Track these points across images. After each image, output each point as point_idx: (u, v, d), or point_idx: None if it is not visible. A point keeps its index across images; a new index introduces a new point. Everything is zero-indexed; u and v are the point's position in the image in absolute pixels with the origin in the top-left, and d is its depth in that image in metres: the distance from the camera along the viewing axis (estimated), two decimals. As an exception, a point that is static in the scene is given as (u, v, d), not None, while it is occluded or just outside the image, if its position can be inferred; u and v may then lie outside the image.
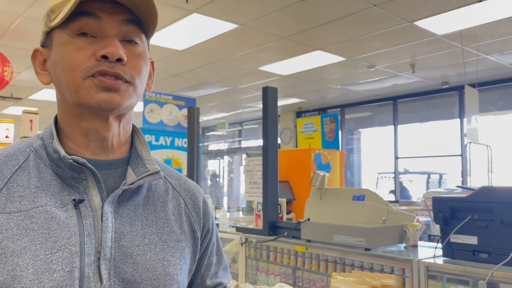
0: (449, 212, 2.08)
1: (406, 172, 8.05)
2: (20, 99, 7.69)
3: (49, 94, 7.45)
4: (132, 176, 0.76)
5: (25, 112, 4.42)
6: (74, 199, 0.70)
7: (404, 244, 2.46)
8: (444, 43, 4.84)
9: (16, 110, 8.65)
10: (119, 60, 0.70)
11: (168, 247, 0.77)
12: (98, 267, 0.68)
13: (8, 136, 6.02)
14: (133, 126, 0.83)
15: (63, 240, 0.66)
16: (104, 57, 0.69)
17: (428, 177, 8.08)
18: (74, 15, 0.69)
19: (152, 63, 0.83)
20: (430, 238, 4.19)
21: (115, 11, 0.71)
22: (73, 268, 0.65)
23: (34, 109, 4.94)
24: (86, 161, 0.70)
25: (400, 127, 7.74)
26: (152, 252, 0.74)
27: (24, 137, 4.70)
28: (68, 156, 0.70)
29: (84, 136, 0.74)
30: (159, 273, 0.74)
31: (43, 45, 0.77)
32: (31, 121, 4.65)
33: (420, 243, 2.48)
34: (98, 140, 0.75)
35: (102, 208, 0.71)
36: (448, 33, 4.54)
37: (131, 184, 0.74)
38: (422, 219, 4.28)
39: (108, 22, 0.70)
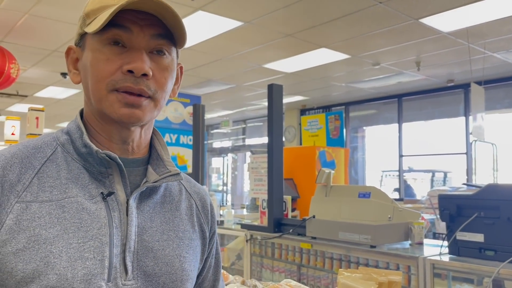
0: (455, 210, 2.07)
1: (410, 170, 8.03)
2: (26, 96, 7.73)
3: (54, 92, 7.48)
4: (153, 175, 0.79)
5: (31, 109, 4.45)
6: (102, 192, 0.72)
7: (409, 242, 2.46)
8: (450, 40, 4.82)
9: (22, 107, 8.69)
10: (145, 75, 0.71)
11: (183, 244, 0.80)
12: (124, 259, 0.71)
13: (14, 133, 6.05)
14: (153, 128, 0.85)
15: (94, 230, 0.69)
16: (130, 71, 0.70)
17: (433, 175, 8.06)
18: (107, 25, 0.70)
19: (181, 68, 0.85)
20: (435, 236, 4.18)
21: (146, 23, 0.72)
22: (104, 258, 0.68)
23: (40, 107, 4.96)
24: (117, 157, 0.73)
25: (404, 125, 7.72)
26: (170, 248, 0.77)
27: (30, 134, 4.72)
28: (100, 151, 0.72)
29: (106, 137, 0.77)
30: (177, 268, 0.77)
31: (76, 45, 0.78)
32: (37, 118, 4.67)
33: (425, 240, 2.48)
34: (120, 142, 0.77)
35: (127, 202, 0.74)
36: (454, 31, 4.51)
37: (154, 182, 0.77)
38: (427, 217, 4.28)
39: (138, 35, 0.71)
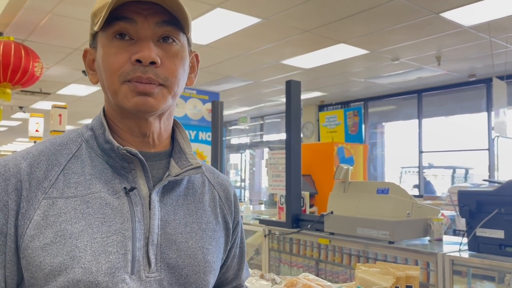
0: (475, 206, 2.06)
1: (430, 166, 7.92)
2: (49, 94, 7.90)
3: (76, 89, 7.63)
4: (176, 168, 0.80)
5: (54, 106, 4.57)
6: (125, 187, 0.74)
7: (428, 238, 2.44)
8: (472, 34, 4.74)
9: (45, 104, 8.88)
10: (153, 63, 0.72)
11: (206, 236, 0.81)
12: (147, 252, 0.73)
13: (38, 130, 6.22)
14: (175, 121, 0.86)
15: (117, 224, 0.71)
16: (138, 61, 0.71)
17: (454, 172, 7.93)
18: (111, 19, 0.72)
19: (196, 56, 0.86)
20: (455, 233, 4.13)
21: (150, 13, 0.72)
22: (127, 251, 0.70)
23: (63, 104, 5.08)
24: (138, 152, 0.75)
25: (424, 120, 7.62)
26: (193, 240, 0.79)
27: (54, 131, 4.84)
28: (121, 147, 0.74)
29: (127, 132, 0.78)
30: (200, 260, 0.78)
31: (91, 46, 0.80)
32: (60, 115, 4.79)
33: (445, 237, 2.47)
34: (140, 136, 0.79)
35: (149, 196, 0.76)
36: (476, 25, 4.43)
37: (176, 176, 0.78)
38: (447, 213, 4.22)
39: (143, 25, 0.72)
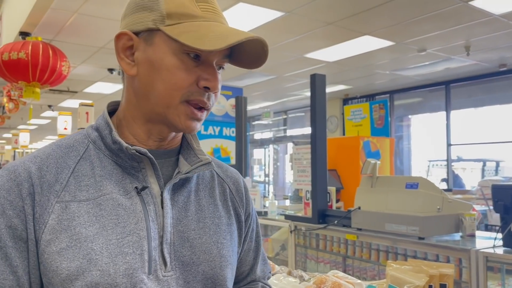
0: (510, 200, 1.98)
1: (459, 159, 7.73)
2: (76, 92, 8.07)
3: (102, 87, 7.76)
4: (185, 165, 0.80)
5: (81, 104, 4.65)
6: (136, 187, 0.73)
7: (460, 234, 2.38)
8: (502, 23, 4.57)
9: (72, 103, 9.08)
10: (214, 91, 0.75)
11: (220, 230, 0.81)
12: (161, 251, 0.72)
13: (66, 127, 6.36)
14: None
15: (131, 225, 0.70)
16: (206, 88, 0.74)
17: (484, 165, 7.71)
18: None
19: None
20: (487, 228, 4.02)
21: None
22: (143, 252, 0.69)
23: (89, 102, 5.17)
24: (147, 151, 0.74)
25: (453, 112, 7.42)
26: (207, 235, 0.78)
27: (81, 128, 4.94)
28: (130, 147, 0.73)
29: (144, 133, 0.78)
30: (215, 255, 0.77)
31: (136, 33, 0.74)
32: (87, 113, 4.88)
33: (477, 233, 2.39)
34: (158, 140, 0.79)
35: (161, 195, 0.75)
36: (506, 13, 4.27)
37: (186, 173, 0.78)
38: (477, 208, 4.10)
39: (215, 53, 0.74)
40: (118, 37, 0.76)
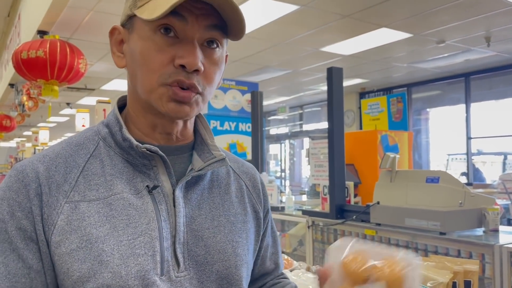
0: (535, 195, 1.92)
1: (479, 153, 7.58)
2: (93, 89, 8.16)
3: (119, 84, 7.83)
4: (198, 161, 0.77)
5: (98, 102, 4.70)
6: (147, 186, 0.71)
7: (483, 229, 2.32)
8: (525, 12, 4.45)
9: (90, 100, 9.19)
10: (196, 70, 0.69)
11: (236, 229, 0.78)
12: (174, 251, 0.70)
13: (84, 125, 6.44)
14: None
15: (143, 225, 0.68)
16: (182, 66, 0.68)
17: (505, 158, 7.55)
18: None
19: (226, 56, 0.80)
20: (510, 223, 3.93)
21: (202, 13, 0.68)
22: (155, 252, 0.67)
23: (106, 99, 5.22)
24: (158, 149, 0.71)
25: (473, 105, 7.27)
26: (222, 234, 0.75)
27: (99, 125, 4.99)
28: (141, 145, 0.70)
29: (150, 127, 0.75)
30: (230, 254, 0.75)
31: (123, 25, 0.75)
32: (104, 110, 4.93)
33: (500, 227, 2.34)
34: (164, 133, 0.76)
35: (173, 193, 0.73)
36: (530, 1, 4.15)
37: (199, 170, 0.75)
38: (499, 202, 4.01)
39: (192, 26, 0.68)
40: (111, 32, 0.76)
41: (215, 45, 0.71)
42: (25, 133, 16.21)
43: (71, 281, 0.64)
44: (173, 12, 0.66)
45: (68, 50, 4.21)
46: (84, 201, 0.67)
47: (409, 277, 0.61)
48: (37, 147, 11.32)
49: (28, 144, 15.03)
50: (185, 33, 0.68)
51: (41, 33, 4.50)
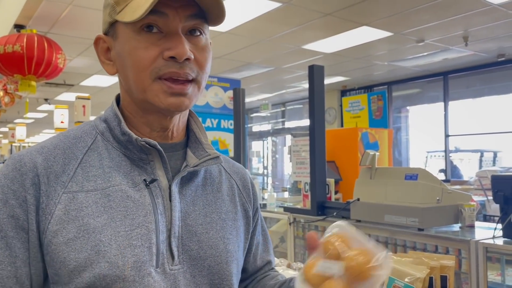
0: (510, 191, 1.98)
1: (457, 150, 7.74)
2: (72, 85, 8.01)
3: (99, 80, 7.71)
4: (193, 159, 0.79)
5: (78, 98, 4.62)
6: (145, 179, 0.73)
7: (459, 224, 2.37)
8: (501, 12, 4.54)
9: (69, 96, 9.02)
10: (187, 59, 0.70)
11: (227, 226, 0.80)
12: (169, 244, 0.71)
13: (63, 121, 6.33)
14: (189, 111, 0.84)
15: (140, 217, 0.69)
16: (172, 57, 0.69)
17: (481, 155, 7.73)
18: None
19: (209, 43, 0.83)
20: (486, 219, 4.02)
21: (180, 5, 0.70)
22: (151, 245, 0.69)
23: (86, 95, 5.14)
24: (157, 143, 0.73)
25: (451, 103, 7.41)
26: (214, 230, 0.77)
27: (78, 122, 4.91)
28: (140, 138, 0.72)
29: (146, 126, 0.77)
30: (221, 250, 0.77)
31: (106, 33, 0.76)
32: (83, 106, 4.85)
33: (476, 223, 2.39)
34: (160, 130, 0.77)
35: (169, 188, 0.74)
36: (505, 2, 4.24)
37: (195, 166, 0.77)
38: (476, 198, 4.11)
39: (174, 18, 0.69)
40: (95, 42, 0.78)
41: (198, 33, 0.73)
42: (2, 129, 15.84)
43: (68, 270, 0.65)
44: (153, 10, 0.67)
45: (46, 44, 4.12)
46: (82, 191, 0.68)
47: (374, 276, 0.63)
48: (14, 144, 11.07)
49: (5, 141, 14.69)
50: (168, 27, 0.70)
51: (18, 27, 4.41)
